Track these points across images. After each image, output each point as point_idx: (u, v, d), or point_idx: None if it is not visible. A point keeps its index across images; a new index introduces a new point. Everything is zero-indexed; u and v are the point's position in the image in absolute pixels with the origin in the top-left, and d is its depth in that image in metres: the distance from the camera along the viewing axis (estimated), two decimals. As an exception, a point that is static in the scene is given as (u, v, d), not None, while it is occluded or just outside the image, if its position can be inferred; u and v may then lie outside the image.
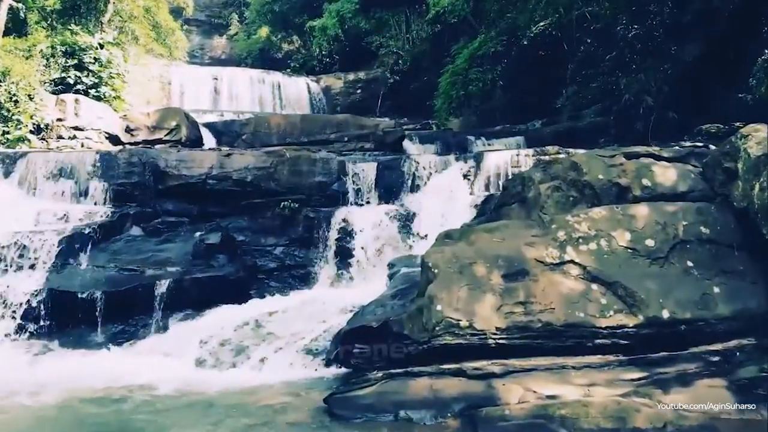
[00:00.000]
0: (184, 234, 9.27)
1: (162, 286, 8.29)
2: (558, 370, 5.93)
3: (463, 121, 20.41)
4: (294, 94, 23.61)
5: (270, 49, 27.72)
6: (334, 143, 13.58)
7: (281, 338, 7.37)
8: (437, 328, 5.90)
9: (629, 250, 6.64)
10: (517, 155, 9.80)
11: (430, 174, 10.00)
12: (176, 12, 26.06)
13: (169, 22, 22.09)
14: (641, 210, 6.95)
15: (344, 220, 9.58)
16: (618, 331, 6.15)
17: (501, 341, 5.97)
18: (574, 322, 6.11)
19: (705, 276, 6.50)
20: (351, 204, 10.14)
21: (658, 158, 7.69)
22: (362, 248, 9.32)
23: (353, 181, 10.09)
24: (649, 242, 6.70)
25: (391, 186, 10.21)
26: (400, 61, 23.99)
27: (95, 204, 9.69)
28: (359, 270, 9.21)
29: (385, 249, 9.29)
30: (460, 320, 5.92)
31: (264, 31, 27.67)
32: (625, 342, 6.15)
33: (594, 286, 6.38)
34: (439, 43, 22.93)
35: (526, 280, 6.29)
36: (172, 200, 9.89)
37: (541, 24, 18.14)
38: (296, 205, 9.88)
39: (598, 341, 6.14)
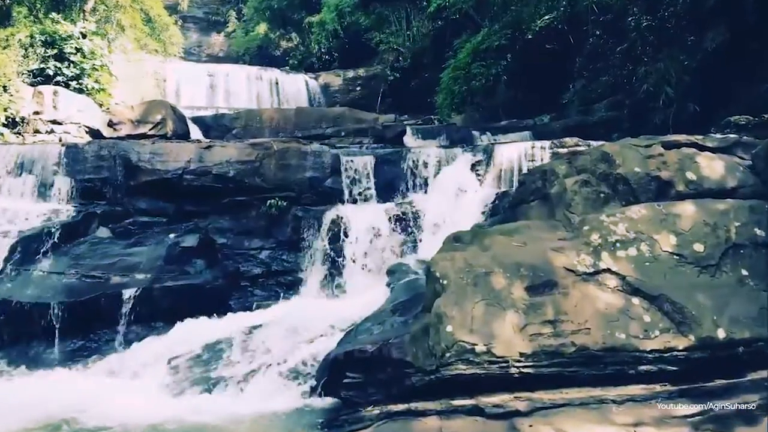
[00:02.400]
0: (157, 236, 7.95)
1: (128, 296, 6.98)
2: (596, 405, 4.74)
3: (465, 118, 19.20)
4: (292, 91, 22.54)
5: (268, 47, 26.40)
6: (330, 138, 12.25)
7: (263, 359, 6.11)
8: (447, 354, 4.62)
9: (675, 257, 5.47)
10: (532, 147, 8.48)
11: (435, 168, 8.66)
12: (172, 8, 24.81)
13: (163, 17, 20.77)
14: (687, 208, 5.73)
15: (338, 221, 8.23)
16: (665, 355, 5.01)
17: (526, 370, 4.73)
18: (614, 345, 4.90)
19: (761, 287, 5.43)
20: (346, 202, 8.75)
21: (702, 148, 6.44)
22: (358, 252, 7.99)
23: (348, 177, 8.73)
24: (698, 247, 5.51)
25: (391, 182, 8.83)
26: (400, 58, 22.77)
27: (59, 202, 8.36)
28: (355, 277, 7.87)
29: (384, 253, 7.96)
30: (476, 344, 4.66)
31: (262, 28, 26.34)
32: (674, 368, 5.01)
33: (635, 300, 5.18)
34: (441, 39, 21.79)
35: (555, 294, 5.05)
36: (146, 198, 8.53)
37: (547, 17, 16.97)
38: (284, 204, 8.51)
39: (641, 368, 4.99)
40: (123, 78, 16.75)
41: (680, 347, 4.94)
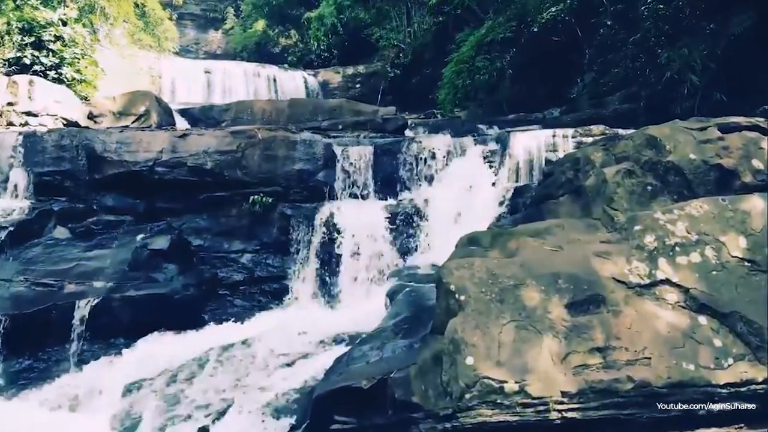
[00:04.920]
0: (123, 237, 6.70)
1: (83, 308, 5.74)
2: (661, 459, 3.48)
3: (468, 115, 18.06)
4: (290, 88, 21.64)
5: (267, 44, 25.17)
6: (326, 131, 10.94)
7: (236, 388, 4.84)
8: (468, 395, 3.40)
9: (746, 264, 4.31)
10: (553, 136, 7.22)
11: (442, 160, 7.36)
12: (169, 4, 23.60)
13: (157, 11, 19.55)
14: (757, 204, 4.54)
15: (332, 219, 6.95)
16: (742, 389, 3.89)
17: (570, 414, 3.53)
18: (682, 379, 3.73)
19: None
20: (340, 198, 7.48)
21: (765, 132, 5.18)
22: (354, 256, 6.72)
23: (344, 170, 7.44)
24: (772, 251, 4.27)
25: (392, 175, 7.51)
26: (401, 55, 21.80)
27: (14, 198, 7.09)
28: (350, 285, 6.59)
29: (385, 257, 6.68)
30: (505, 381, 3.43)
31: (260, 24, 25.11)
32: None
33: (702, 320, 4.00)
34: (442, 34, 20.76)
35: (603, 312, 3.84)
36: (112, 193, 7.24)
37: (553, 9, 15.83)
38: (270, 200, 7.25)
39: (713, 407, 3.86)
40: (116, 73, 15.59)
41: (759, 379, 3.79)
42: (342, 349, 4.90)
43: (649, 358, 3.70)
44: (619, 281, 3.98)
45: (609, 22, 14.53)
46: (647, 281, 4.01)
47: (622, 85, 13.62)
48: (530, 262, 4.01)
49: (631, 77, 12.95)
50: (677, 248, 4.18)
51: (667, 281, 4.04)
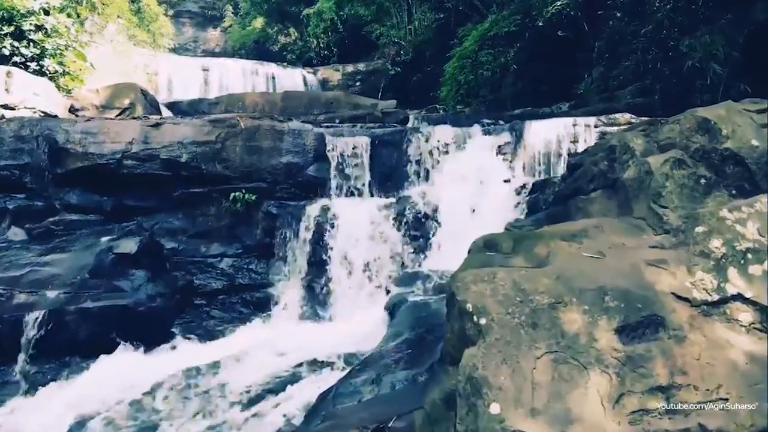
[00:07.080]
0: (86, 238, 5.75)
1: (31, 322, 4.81)
2: None
3: (471, 113, 17.23)
4: (289, 86, 20.94)
5: (265, 41, 24.29)
6: (322, 125, 10.04)
7: (199, 424, 3.90)
8: (492, 455, 2.44)
9: None
10: (574, 125, 6.29)
11: (449, 152, 6.40)
12: (168, 2, 22.70)
13: (152, 6, 18.66)
14: (839, 199, 3.54)
15: (323, 219, 6.01)
16: None
17: (627, 478, 2.55)
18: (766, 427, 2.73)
19: None
20: (333, 195, 6.55)
21: (834, 115, 4.25)
22: (348, 261, 5.78)
23: (337, 163, 6.49)
24: None
25: (392, 169, 6.55)
26: (401, 52, 21.04)
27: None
28: (344, 295, 5.65)
29: (383, 262, 5.74)
30: (543, 436, 2.48)
31: (259, 22, 24.19)
32: None
33: (783, 346, 3.01)
34: (444, 31, 19.98)
35: (663, 339, 2.93)
36: (77, 190, 6.27)
37: (559, 3, 14.97)
38: (253, 197, 6.31)
39: None
40: (111, 70, 14.70)
41: None
42: (331, 376, 3.97)
43: (726, 399, 2.77)
44: (680, 297, 3.04)
45: (618, 14, 13.69)
46: (716, 297, 3.08)
47: (634, 79, 12.77)
48: (567, 273, 3.07)
49: (643, 70, 12.11)
50: (749, 255, 3.24)
51: (739, 297, 3.10)
